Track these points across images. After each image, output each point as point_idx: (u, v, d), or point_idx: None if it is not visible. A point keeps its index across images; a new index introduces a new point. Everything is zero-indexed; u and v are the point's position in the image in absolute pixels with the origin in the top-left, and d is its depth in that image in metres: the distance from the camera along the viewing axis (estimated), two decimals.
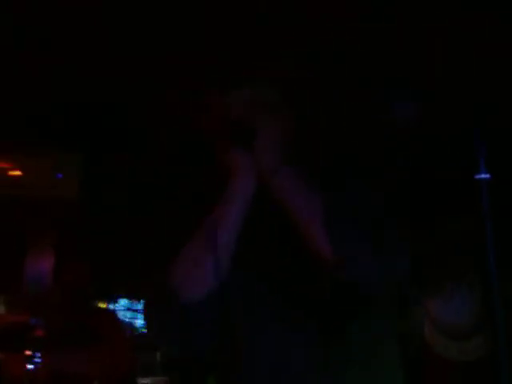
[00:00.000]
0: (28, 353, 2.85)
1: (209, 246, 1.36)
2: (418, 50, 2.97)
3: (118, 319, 4.22)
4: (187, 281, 1.40)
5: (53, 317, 3.22)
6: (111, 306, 7.63)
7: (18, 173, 4.33)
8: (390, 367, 1.44)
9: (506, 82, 3.25)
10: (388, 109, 2.88)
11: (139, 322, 9.39)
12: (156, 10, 2.85)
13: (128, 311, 8.92)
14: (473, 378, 3.82)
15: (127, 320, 8.13)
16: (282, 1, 2.74)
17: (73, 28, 2.99)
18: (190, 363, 6.03)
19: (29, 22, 2.94)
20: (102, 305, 6.31)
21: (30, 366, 2.82)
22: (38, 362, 2.85)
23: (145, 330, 9.09)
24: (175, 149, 4.38)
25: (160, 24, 2.96)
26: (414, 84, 2.77)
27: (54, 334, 3.04)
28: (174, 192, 4.87)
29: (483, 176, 0.90)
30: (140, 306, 9.40)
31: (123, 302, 8.92)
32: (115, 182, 4.49)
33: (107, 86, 3.54)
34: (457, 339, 3.97)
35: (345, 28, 2.84)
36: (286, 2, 2.74)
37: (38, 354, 2.85)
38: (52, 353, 3.19)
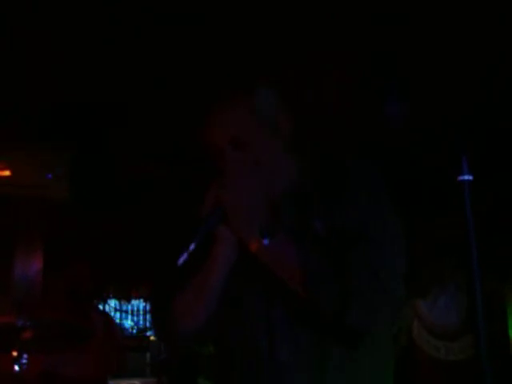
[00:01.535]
0: (15, 354, 2.83)
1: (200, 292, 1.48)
2: (405, 50, 2.98)
3: (111, 320, 4.21)
4: (187, 314, 1.50)
5: (42, 318, 3.20)
6: (100, 307, 7.60)
7: (7, 173, 4.31)
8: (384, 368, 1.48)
9: (491, 83, 3.27)
10: (378, 109, 2.88)
11: (128, 322, 9.37)
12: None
13: (117, 312, 8.90)
14: (460, 377, 3.84)
15: (116, 321, 8.10)
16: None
17: (71, 26, 2.98)
18: (180, 365, 6.02)
19: (28, 22, 2.93)
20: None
21: (16, 367, 2.81)
22: (25, 363, 2.83)
23: (134, 331, 9.07)
24: (167, 149, 4.38)
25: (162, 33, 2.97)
26: (401, 83, 2.78)
27: (43, 335, 3.03)
28: (165, 192, 4.87)
29: (466, 177, 0.91)
30: (129, 307, 9.38)
31: (112, 302, 8.90)
32: (106, 182, 4.48)
33: (99, 87, 3.53)
34: (445, 339, 3.99)
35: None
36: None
37: (26, 356, 2.84)
38: (41, 354, 3.18)
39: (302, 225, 1.42)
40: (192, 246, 1.32)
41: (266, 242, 1.35)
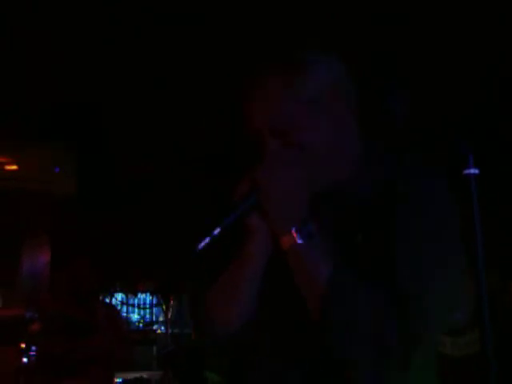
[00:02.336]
0: (23, 346, 2.85)
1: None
2: (405, 50, 2.97)
3: (117, 314, 4.22)
4: (218, 314, 1.34)
5: (49, 311, 3.22)
6: (107, 301, 7.64)
7: (14, 167, 4.33)
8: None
9: (491, 83, 3.26)
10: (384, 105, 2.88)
11: (135, 316, 9.41)
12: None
13: (124, 305, 8.94)
14: (467, 373, 3.85)
15: (123, 314, 8.14)
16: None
17: (71, 26, 2.99)
18: (186, 358, 6.04)
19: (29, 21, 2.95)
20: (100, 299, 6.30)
21: (25, 359, 2.83)
22: (33, 356, 2.85)
23: (140, 324, 9.10)
24: (167, 149, 4.39)
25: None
26: (404, 78, 2.77)
27: (50, 328, 3.05)
28: (170, 188, 4.88)
29: (472, 171, 0.90)
30: (136, 301, 9.41)
31: (119, 296, 8.94)
32: (113, 177, 4.49)
33: (99, 87, 3.54)
34: (451, 335, 3.99)
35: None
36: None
37: (34, 348, 2.86)
38: (48, 346, 3.20)
39: (342, 231, 1.24)
40: (216, 231, 1.17)
41: (300, 240, 1.18)
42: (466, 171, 0.87)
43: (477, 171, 0.88)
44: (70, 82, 3.53)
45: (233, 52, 3.06)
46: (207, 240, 1.17)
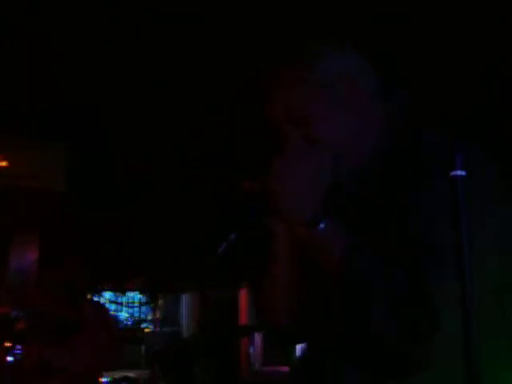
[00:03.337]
0: (9, 345, 2.83)
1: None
2: (405, 50, 2.97)
3: (106, 312, 4.20)
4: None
5: (35, 308, 3.20)
6: (95, 299, 7.60)
7: (4, 164, 4.31)
8: None
9: (491, 83, 3.26)
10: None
11: (123, 314, 9.36)
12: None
13: (112, 303, 8.89)
14: None
15: (111, 313, 8.11)
16: None
17: (71, 26, 2.98)
18: (174, 355, 6.03)
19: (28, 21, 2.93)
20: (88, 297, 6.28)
21: (10, 358, 2.81)
22: (18, 354, 2.83)
23: (129, 323, 9.08)
24: (167, 149, 4.38)
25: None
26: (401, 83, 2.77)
27: (36, 326, 3.02)
28: (165, 192, 4.88)
29: (459, 173, 0.89)
30: (124, 299, 9.37)
31: (108, 294, 8.90)
32: (103, 174, 4.47)
33: (99, 87, 3.53)
34: None
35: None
36: None
37: (19, 346, 2.84)
38: (34, 345, 3.18)
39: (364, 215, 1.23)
40: (233, 236, 1.18)
41: (313, 227, 1.18)
42: (453, 173, 0.86)
43: (463, 173, 0.87)
44: (66, 83, 3.52)
45: (233, 52, 3.06)
46: (225, 246, 1.18)
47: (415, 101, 1.35)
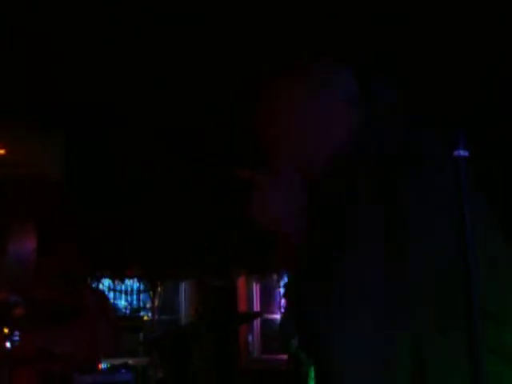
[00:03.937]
0: (6, 331, 2.83)
1: None
2: (405, 50, 2.95)
3: (105, 300, 4.21)
4: None
5: (33, 295, 3.19)
6: (94, 286, 7.61)
7: (2, 152, 4.31)
8: None
9: (491, 83, 3.25)
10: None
11: (122, 302, 9.38)
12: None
13: (111, 291, 8.90)
14: None
15: (111, 300, 8.12)
16: None
17: (71, 26, 2.97)
18: (172, 344, 6.03)
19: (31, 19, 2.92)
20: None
21: (8, 344, 2.80)
22: (16, 341, 2.82)
23: (127, 311, 9.09)
24: (167, 150, 4.38)
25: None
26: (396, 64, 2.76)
27: (35, 313, 3.02)
28: (165, 192, 4.89)
29: (462, 153, 0.87)
30: (123, 287, 9.39)
31: (106, 282, 8.90)
32: (101, 162, 4.47)
33: (99, 86, 3.52)
34: None
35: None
36: None
37: (17, 333, 2.83)
38: (32, 331, 3.18)
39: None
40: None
41: None
42: (456, 153, 0.84)
43: (466, 153, 0.85)
44: (66, 83, 3.51)
45: (232, 52, 3.05)
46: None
47: (415, 101, 1.38)
